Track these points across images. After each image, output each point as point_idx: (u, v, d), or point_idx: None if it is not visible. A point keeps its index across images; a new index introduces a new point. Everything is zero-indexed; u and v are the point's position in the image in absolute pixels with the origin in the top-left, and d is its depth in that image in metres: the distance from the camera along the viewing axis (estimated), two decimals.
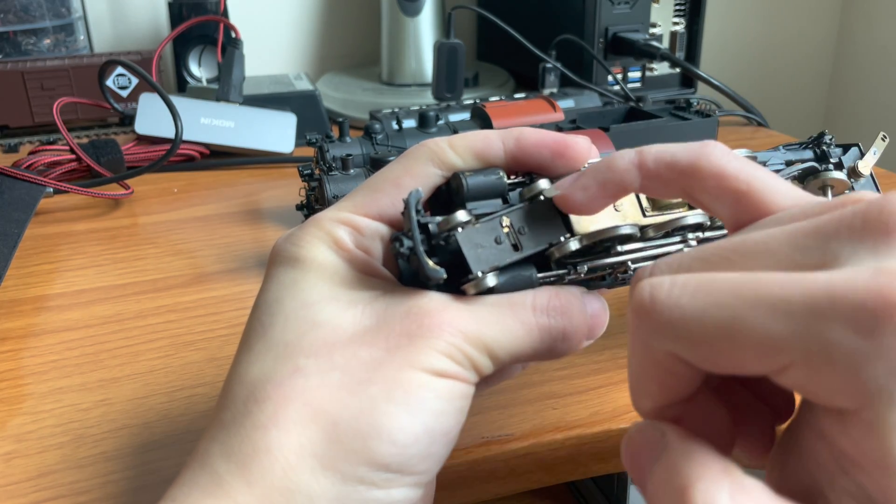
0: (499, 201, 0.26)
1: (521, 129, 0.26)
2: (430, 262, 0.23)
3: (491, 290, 0.24)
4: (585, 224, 0.25)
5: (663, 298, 0.18)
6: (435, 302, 0.23)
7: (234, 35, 0.72)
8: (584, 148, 0.26)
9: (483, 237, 0.24)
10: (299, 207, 0.51)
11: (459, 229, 0.23)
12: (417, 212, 0.23)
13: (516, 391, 0.34)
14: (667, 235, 0.26)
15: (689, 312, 0.17)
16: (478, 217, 0.24)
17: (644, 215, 0.26)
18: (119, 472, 0.30)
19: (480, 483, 0.31)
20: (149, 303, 0.44)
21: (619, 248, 0.25)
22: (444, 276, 0.23)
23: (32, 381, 0.36)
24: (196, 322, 0.41)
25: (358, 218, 0.25)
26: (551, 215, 0.25)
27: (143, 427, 0.33)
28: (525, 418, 0.32)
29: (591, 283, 0.27)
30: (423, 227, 0.24)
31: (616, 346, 0.37)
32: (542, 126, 0.55)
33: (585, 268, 0.25)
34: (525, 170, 0.27)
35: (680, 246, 0.26)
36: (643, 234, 0.26)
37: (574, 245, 0.24)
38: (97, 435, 0.32)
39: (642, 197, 0.26)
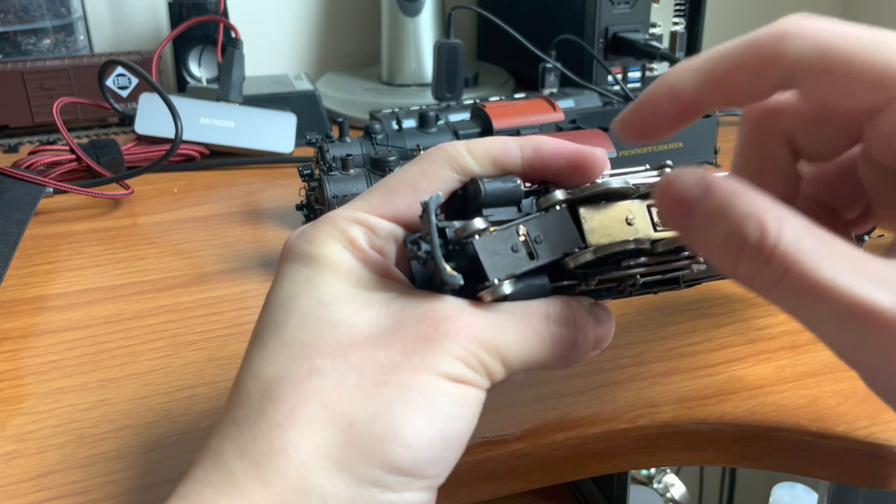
0: (514, 208, 0.26)
1: (539, 137, 0.27)
2: (448, 268, 0.23)
3: (506, 298, 0.24)
4: (598, 235, 0.25)
5: (812, 19, 0.20)
6: (451, 306, 0.23)
7: (234, 35, 0.72)
8: (601, 160, 0.26)
9: (499, 245, 0.24)
10: (299, 207, 0.51)
11: (476, 237, 0.23)
12: (436, 216, 0.23)
13: (516, 391, 0.34)
14: (676, 251, 0.26)
15: (833, 28, 0.20)
16: (494, 224, 0.24)
17: (655, 230, 0.26)
18: (119, 472, 0.30)
19: (480, 483, 0.31)
20: (149, 303, 0.44)
21: (630, 262, 0.25)
22: (461, 282, 0.23)
23: (32, 381, 0.36)
24: (196, 322, 0.41)
25: (373, 218, 0.25)
26: (567, 225, 0.25)
27: (143, 427, 0.33)
28: (525, 418, 0.32)
29: (599, 293, 0.27)
30: (441, 232, 0.24)
31: (616, 346, 0.37)
32: (541, 126, 0.55)
33: (596, 279, 0.25)
34: (540, 178, 0.27)
35: (687, 262, 0.26)
36: (653, 248, 0.26)
37: (588, 256, 0.24)
38: (97, 435, 0.32)
39: (654, 211, 0.27)
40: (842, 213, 0.26)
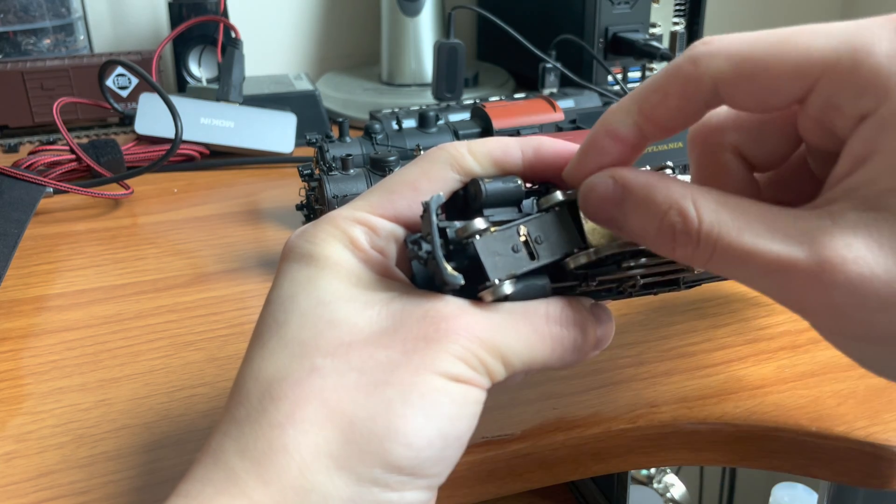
0: (515, 209, 0.26)
1: (539, 138, 0.27)
2: (449, 268, 0.23)
3: (506, 298, 0.24)
4: (598, 236, 0.25)
5: (719, 37, 0.22)
6: (452, 306, 0.23)
7: (234, 35, 0.72)
8: None
9: (500, 245, 0.24)
10: (299, 207, 0.51)
11: (477, 236, 0.24)
12: (437, 216, 0.23)
13: (516, 391, 0.34)
14: None
15: (742, 39, 0.21)
16: (495, 224, 0.24)
17: None
18: (119, 472, 0.30)
19: (480, 483, 0.31)
20: (149, 303, 0.44)
21: (630, 263, 0.26)
22: (462, 282, 0.23)
23: (32, 381, 0.36)
24: (196, 322, 0.41)
25: (374, 218, 0.25)
26: (567, 226, 0.25)
27: (143, 427, 0.33)
28: (525, 418, 0.32)
29: (600, 294, 0.27)
30: (442, 232, 0.24)
31: (616, 346, 0.37)
32: (541, 126, 0.55)
33: (597, 280, 0.25)
34: (541, 179, 0.27)
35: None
36: None
37: (588, 258, 0.25)
38: (97, 435, 0.32)
39: None
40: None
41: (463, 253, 0.24)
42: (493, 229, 0.24)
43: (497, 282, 0.23)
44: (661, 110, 0.23)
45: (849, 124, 0.20)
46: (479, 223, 0.23)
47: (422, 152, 0.27)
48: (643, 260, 0.26)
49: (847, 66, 0.20)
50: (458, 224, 0.24)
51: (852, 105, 0.20)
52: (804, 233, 0.20)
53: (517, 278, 0.24)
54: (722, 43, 0.21)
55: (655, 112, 0.23)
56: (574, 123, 0.56)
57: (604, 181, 0.24)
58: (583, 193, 0.24)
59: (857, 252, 0.19)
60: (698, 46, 0.22)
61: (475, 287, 0.24)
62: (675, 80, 0.22)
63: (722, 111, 0.25)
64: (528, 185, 0.27)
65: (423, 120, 0.54)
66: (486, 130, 0.54)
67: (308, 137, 0.52)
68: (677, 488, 0.86)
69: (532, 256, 0.24)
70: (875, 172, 0.20)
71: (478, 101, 0.59)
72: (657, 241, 0.22)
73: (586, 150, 0.25)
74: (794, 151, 0.25)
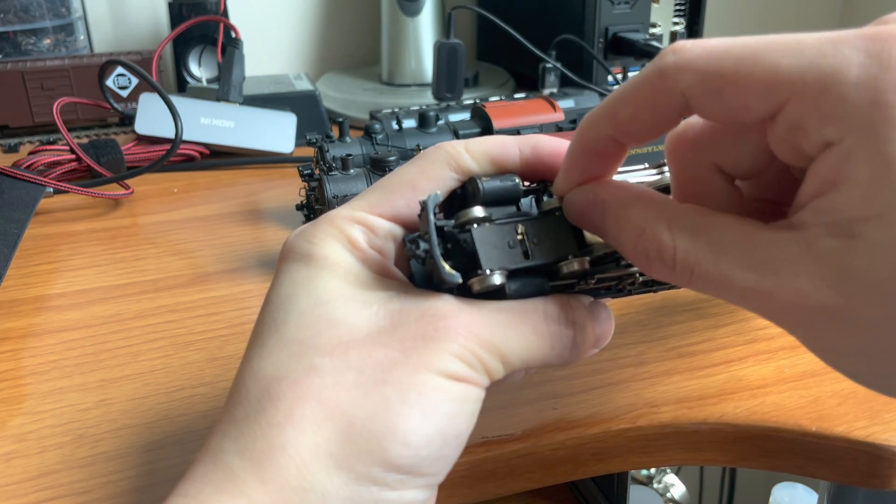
0: (513, 207, 0.26)
1: (537, 136, 0.27)
2: (447, 266, 0.23)
3: (497, 290, 0.24)
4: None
5: (688, 46, 0.21)
6: (450, 305, 0.23)
7: (234, 35, 0.72)
8: None
9: (497, 238, 0.24)
10: (299, 207, 0.51)
11: (475, 225, 0.24)
12: (434, 214, 0.23)
13: (516, 391, 0.34)
14: None
15: (710, 52, 0.20)
16: (493, 219, 0.24)
17: None
18: (119, 472, 0.30)
19: (480, 483, 0.31)
20: (149, 303, 0.44)
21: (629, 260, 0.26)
22: (460, 280, 0.23)
23: (32, 381, 0.36)
24: (196, 322, 0.41)
25: (372, 217, 0.25)
26: (564, 231, 0.25)
27: (143, 427, 0.33)
28: (525, 418, 0.32)
29: (599, 291, 0.27)
30: (440, 231, 0.24)
31: (616, 346, 0.37)
32: (541, 126, 0.55)
33: (596, 277, 0.25)
34: (539, 177, 0.27)
35: None
36: None
37: (581, 265, 0.25)
38: (97, 435, 0.32)
39: None
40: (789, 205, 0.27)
41: (461, 251, 0.24)
42: (488, 224, 0.24)
43: (488, 272, 0.23)
44: (633, 122, 0.23)
45: (815, 147, 0.20)
46: (479, 211, 0.24)
47: (421, 152, 0.27)
48: None
49: (813, 91, 0.19)
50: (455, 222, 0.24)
51: (818, 131, 0.19)
52: (779, 260, 0.20)
53: (510, 274, 0.24)
54: (692, 53, 0.21)
55: (628, 124, 0.23)
56: (574, 123, 0.56)
57: (585, 195, 0.24)
58: (566, 205, 0.25)
59: (829, 281, 0.19)
60: (667, 56, 0.21)
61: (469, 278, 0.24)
62: (644, 93, 0.22)
63: (697, 124, 0.25)
64: (527, 183, 0.27)
65: (423, 120, 0.54)
66: (486, 130, 0.54)
67: (308, 137, 0.52)
68: (677, 488, 0.86)
69: (526, 255, 0.24)
70: (845, 200, 0.19)
71: (478, 101, 0.59)
72: (635, 260, 0.23)
73: (569, 166, 0.25)
74: (772, 162, 0.25)
